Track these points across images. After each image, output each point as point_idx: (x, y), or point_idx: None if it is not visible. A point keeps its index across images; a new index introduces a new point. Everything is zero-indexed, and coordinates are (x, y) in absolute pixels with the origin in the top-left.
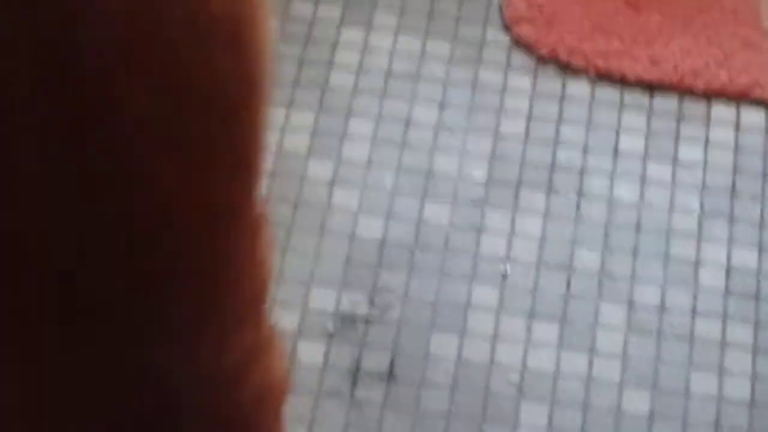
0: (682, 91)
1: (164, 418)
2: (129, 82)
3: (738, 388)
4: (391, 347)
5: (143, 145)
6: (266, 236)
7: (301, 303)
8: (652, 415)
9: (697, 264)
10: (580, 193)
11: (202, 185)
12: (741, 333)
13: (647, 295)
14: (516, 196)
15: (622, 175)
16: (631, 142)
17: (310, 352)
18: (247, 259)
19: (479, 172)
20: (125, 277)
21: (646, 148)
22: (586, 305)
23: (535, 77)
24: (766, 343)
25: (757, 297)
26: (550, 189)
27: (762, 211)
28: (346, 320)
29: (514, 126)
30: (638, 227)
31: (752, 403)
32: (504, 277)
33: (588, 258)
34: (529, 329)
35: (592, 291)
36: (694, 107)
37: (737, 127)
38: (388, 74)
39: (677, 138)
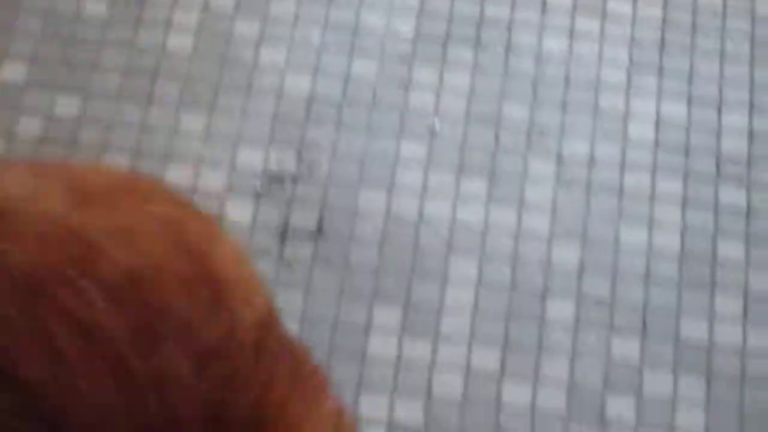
0: None
1: None
2: None
3: (668, 240)
4: (319, 205)
5: None
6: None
7: (229, 162)
8: (581, 267)
9: (626, 117)
10: (508, 48)
11: None
12: (670, 186)
13: (576, 148)
14: (444, 51)
15: (550, 29)
16: None
17: (238, 212)
18: None
19: (407, 28)
20: None
21: (575, 1)
22: (514, 159)
23: None
24: (695, 194)
25: (686, 150)
26: (478, 44)
27: (691, 63)
28: (274, 179)
29: None
30: (567, 81)
31: (682, 254)
32: (432, 132)
33: (517, 112)
34: (457, 184)
35: (520, 145)
36: None
37: None
38: None
39: None
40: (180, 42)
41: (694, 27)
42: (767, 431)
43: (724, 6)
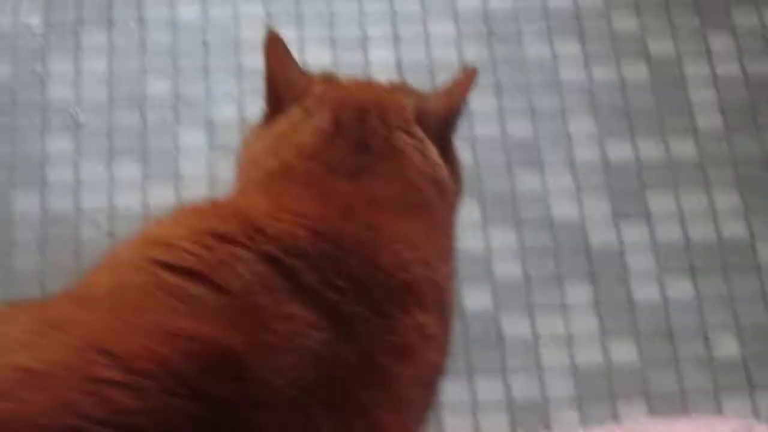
0: None
1: None
2: None
3: None
4: None
5: None
6: None
7: None
8: None
9: None
10: (141, 22)
11: None
12: None
13: (225, 113)
14: (76, 38)
15: None
16: None
17: None
18: None
19: (36, 20)
20: None
21: None
22: (164, 135)
23: None
24: None
25: None
26: (110, 24)
27: (330, 7)
28: None
29: None
30: (206, 46)
31: None
32: (76, 122)
33: (159, 87)
34: (110, 170)
35: (168, 119)
36: None
37: None
38: None
39: None
40: None
41: None
42: None
43: None
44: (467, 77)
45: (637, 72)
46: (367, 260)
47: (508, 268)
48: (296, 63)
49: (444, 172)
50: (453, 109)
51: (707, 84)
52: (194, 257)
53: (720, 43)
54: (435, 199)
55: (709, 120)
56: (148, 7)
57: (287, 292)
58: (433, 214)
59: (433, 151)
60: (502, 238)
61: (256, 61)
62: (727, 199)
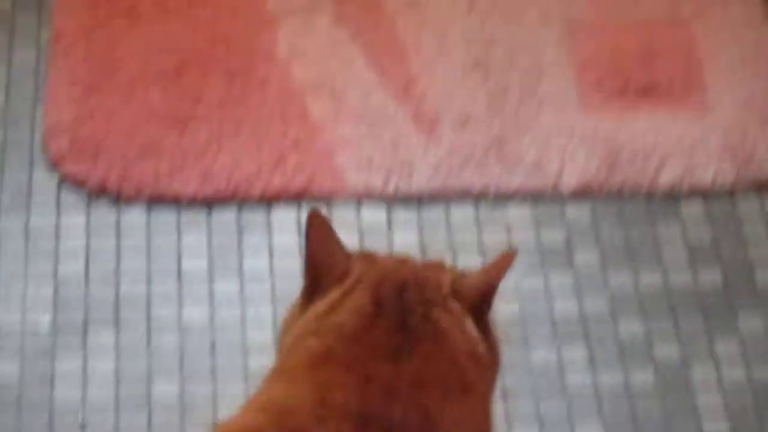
0: (240, 201)
1: None
2: None
3: None
4: None
5: None
6: None
7: None
8: None
9: None
10: (149, 324)
11: None
12: None
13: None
14: (84, 339)
15: (189, 298)
16: (195, 262)
17: None
18: None
19: (44, 320)
20: None
21: (210, 265)
22: None
23: (89, 212)
24: None
25: None
26: (118, 325)
27: None
28: None
29: (73, 266)
30: (213, 348)
31: None
32: (82, 426)
33: (166, 390)
34: None
35: (174, 421)
36: (255, 216)
37: (299, 229)
38: None
39: (240, 250)
40: None
41: None
42: None
43: None
44: (506, 258)
45: (643, 377)
46: None
47: None
48: (338, 242)
49: (482, 346)
50: (490, 285)
51: (713, 389)
52: None
53: (726, 347)
54: (475, 378)
55: (715, 425)
56: (156, 306)
57: None
58: (475, 393)
59: (471, 326)
60: None
61: (262, 362)
62: None
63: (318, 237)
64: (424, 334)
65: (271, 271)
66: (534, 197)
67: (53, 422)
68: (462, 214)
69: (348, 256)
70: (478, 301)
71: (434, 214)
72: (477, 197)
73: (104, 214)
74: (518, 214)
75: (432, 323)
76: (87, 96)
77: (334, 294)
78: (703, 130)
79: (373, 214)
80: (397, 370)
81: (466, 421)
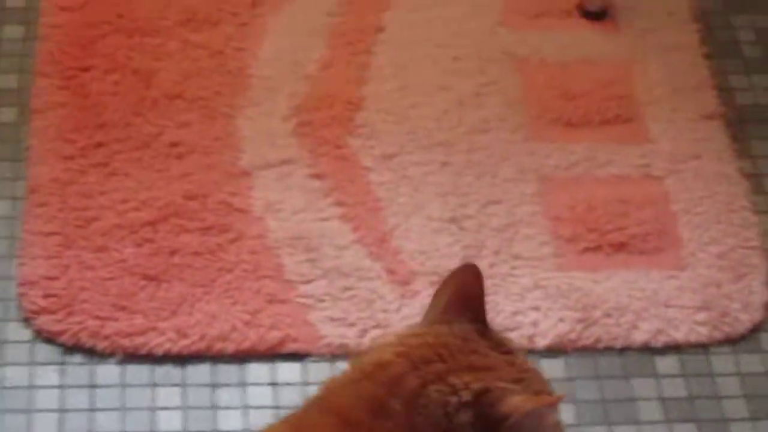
0: (214, 357)
1: None
2: None
3: None
4: None
5: None
6: None
7: None
8: None
9: None
10: None
11: None
12: None
13: None
14: None
15: None
16: (169, 419)
17: None
18: None
19: None
20: None
21: (185, 422)
22: None
23: (62, 369)
24: None
25: None
26: None
27: None
28: None
29: (45, 424)
30: None
31: None
32: None
33: None
34: None
35: None
36: (228, 373)
37: (274, 384)
38: None
39: (215, 407)
40: None
41: None
42: None
43: None
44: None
45: None
46: None
47: None
48: (456, 303)
49: None
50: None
51: None
52: None
53: None
54: None
55: None
56: None
57: None
58: None
59: None
60: None
61: None
62: None
63: (458, 282)
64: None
65: (245, 428)
66: None
67: None
68: None
69: (440, 315)
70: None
71: None
72: None
73: (78, 370)
74: None
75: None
76: (62, 249)
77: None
78: (678, 285)
79: None
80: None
81: None
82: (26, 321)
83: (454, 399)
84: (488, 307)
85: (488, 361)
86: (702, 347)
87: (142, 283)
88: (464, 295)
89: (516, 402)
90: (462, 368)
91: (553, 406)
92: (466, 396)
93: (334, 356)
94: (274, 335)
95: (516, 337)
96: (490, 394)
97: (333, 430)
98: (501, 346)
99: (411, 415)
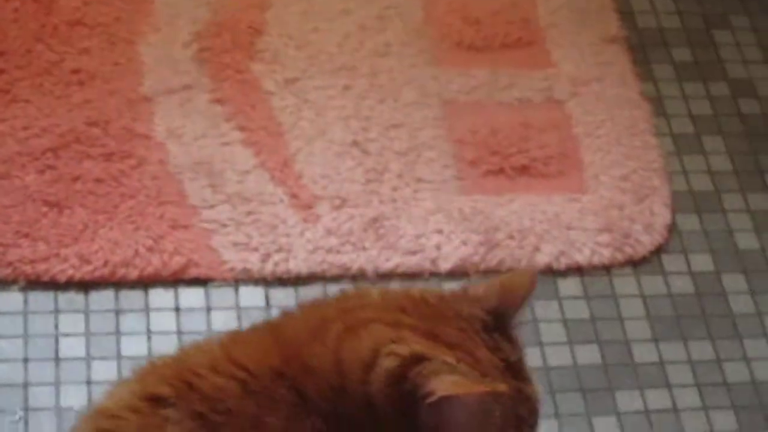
0: (117, 283)
1: None
2: None
3: None
4: None
5: None
6: None
7: None
8: None
9: None
10: (26, 408)
11: None
12: None
13: None
14: None
15: (67, 382)
16: (72, 346)
17: None
18: None
19: None
20: None
21: (88, 348)
22: None
23: None
24: None
25: None
26: None
27: None
28: None
29: None
30: None
31: None
32: None
33: None
34: None
35: None
36: (132, 298)
37: (177, 310)
38: None
39: (118, 333)
40: None
41: None
42: None
43: None
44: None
45: None
46: None
47: None
48: None
49: None
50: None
51: None
52: (127, 422)
53: (605, 426)
54: None
55: None
56: (35, 392)
57: None
58: None
59: None
60: None
61: None
62: None
63: (513, 278)
64: None
65: (149, 353)
66: (412, 276)
67: None
68: None
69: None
70: None
71: (312, 294)
72: (355, 277)
73: None
74: None
75: None
76: None
77: None
78: (580, 208)
79: (251, 296)
80: None
81: None
82: None
83: (383, 351)
84: (393, 231)
85: (460, 341)
86: (604, 269)
87: (45, 209)
88: (506, 289)
89: (446, 382)
90: (416, 330)
91: (482, 397)
92: (398, 351)
93: (237, 281)
94: (177, 261)
95: (419, 261)
96: (424, 363)
97: (267, 345)
98: (499, 350)
99: (339, 351)
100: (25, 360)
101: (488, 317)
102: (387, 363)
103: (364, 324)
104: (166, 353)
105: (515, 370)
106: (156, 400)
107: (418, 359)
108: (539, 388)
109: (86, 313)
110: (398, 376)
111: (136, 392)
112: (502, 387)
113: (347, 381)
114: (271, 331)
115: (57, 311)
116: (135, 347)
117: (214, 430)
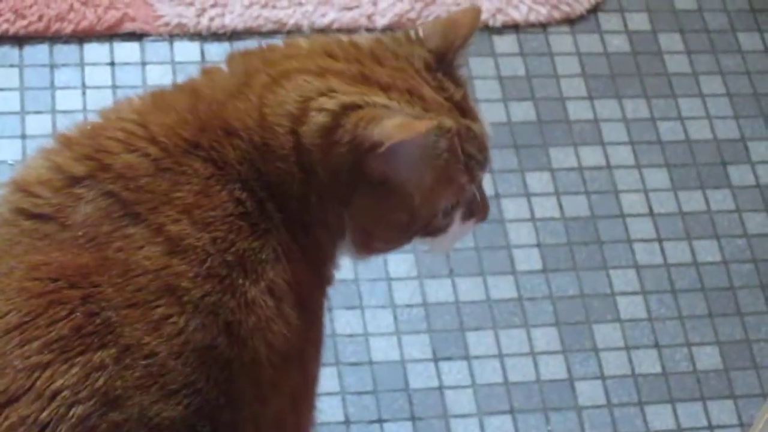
0: (52, 38)
1: None
2: None
3: None
4: None
5: None
6: None
7: None
8: None
9: None
10: None
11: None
12: None
13: None
14: None
15: (2, 137)
16: (7, 100)
17: None
18: None
19: None
20: None
21: (23, 103)
22: None
23: None
24: None
25: None
26: None
27: None
28: None
29: None
30: None
31: None
32: None
33: None
34: None
35: None
36: (67, 53)
37: (112, 64)
38: None
39: (53, 87)
40: None
41: None
42: None
43: None
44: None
45: None
46: None
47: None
48: None
49: None
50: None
51: (526, 224)
52: (44, 200)
53: (538, 182)
54: None
55: (526, 257)
56: None
57: (126, 218)
58: None
59: None
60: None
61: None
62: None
63: (454, 16)
64: None
65: (84, 108)
66: (348, 32)
67: None
68: None
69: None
70: None
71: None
72: (290, 32)
73: None
74: None
75: None
76: None
77: None
78: None
79: (186, 50)
80: None
81: None
82: None
83: (311, 106)
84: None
85: (399, 81)
86: (541, 26)
87: None
88: (448, 28)
89: (388, 127)
90: (344, 75)
91: (428, 132)
92: (327, 106)
93: (172, 36)
94: (112, 14)
95: (355, 16)
96: (357, 111)
97: (185, 110)
98: (443, 90)
99: (263, 105)
100: None
101: (430, 56)
102: (318, 119)
103: (288, 75)
104: (99, 108)
105: (461, 109)
106: (70, 179)
107: (349, 109)
108: (487, 125)
109: (21, 67)
110: (330, 129)
111: (52, 168)
112: (447, 122)
113: (272, 136)
114: (192, 92)
115: None
116: (70, 101)
117: (125, 208)
